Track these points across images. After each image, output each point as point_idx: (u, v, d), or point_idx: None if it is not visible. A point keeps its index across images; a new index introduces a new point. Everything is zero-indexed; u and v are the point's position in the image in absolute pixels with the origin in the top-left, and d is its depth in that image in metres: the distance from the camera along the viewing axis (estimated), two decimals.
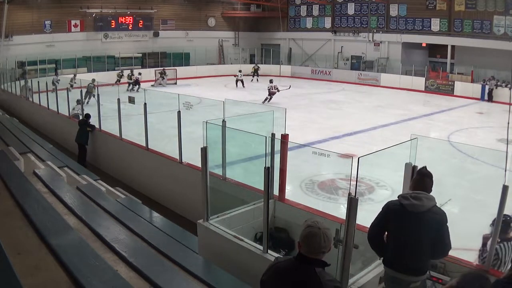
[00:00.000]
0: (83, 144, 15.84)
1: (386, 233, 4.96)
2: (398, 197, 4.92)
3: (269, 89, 29.97)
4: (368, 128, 21.17)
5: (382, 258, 5.13)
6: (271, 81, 30.91)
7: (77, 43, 40.55)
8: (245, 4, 51.09)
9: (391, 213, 4.86)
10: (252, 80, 41.85)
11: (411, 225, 4.70)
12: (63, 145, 18.12)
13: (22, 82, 26.60)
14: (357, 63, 43.93)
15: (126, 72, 36.70)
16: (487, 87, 32.51)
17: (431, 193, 4.90)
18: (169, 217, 9.81)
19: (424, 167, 5.11)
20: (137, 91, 32.92)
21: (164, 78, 38.55)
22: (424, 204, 4.70)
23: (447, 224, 4.74)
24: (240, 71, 39.15)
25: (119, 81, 34.99)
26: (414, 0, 39.29)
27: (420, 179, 4.95)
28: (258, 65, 45.10)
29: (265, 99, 29.40)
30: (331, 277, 3.52)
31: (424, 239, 4.69)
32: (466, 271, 3.77)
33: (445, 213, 4.78)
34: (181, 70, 41.53)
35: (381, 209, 4.98)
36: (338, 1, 45.89)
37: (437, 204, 4.83)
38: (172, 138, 12.08)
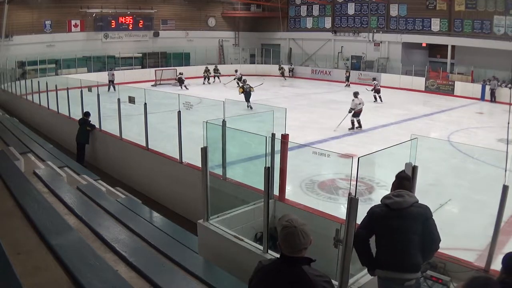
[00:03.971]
0: (83, 143, 15.81)
1: (374, 236, 5.02)
2: (381, 200, 5.05)
3: (374, 87, 31.13)
4: (368, 128, 21.13)
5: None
6: (374, 79, 32.43)
7: (77, 43, 40.59)
8: (245, 4, 51.05)
9: (376, 215, 4.96)
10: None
11: (398, 222, 4.81)
12: (63, 145, 18.13)
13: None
14: (357, 63, 43.90)
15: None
16: (487, 87, 32.46)
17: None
18: (169, 217, 9.81)
19: (402, 171, 5.36)
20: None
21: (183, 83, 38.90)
22: (406, 200, 4.87)
23: (433, 218, 4.88)
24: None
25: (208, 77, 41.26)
26: (414, 0, 39.30)
27: (399, 182, 5.13)
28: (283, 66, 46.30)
29: (378, 98, 30.93)
30: (319, 273, 3.43)
31: (412, 233, 4.79)
32: (474, 274, 3.75)
33: (428, 208, 4.92)
34: (181, 70, 41.42)
35: (366, 214, 5.05)
36: (338, 1, 45.88)
37: (418, 201, 4.96)
38: (172, 138, 12.08)
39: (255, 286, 3.61)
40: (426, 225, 4.79)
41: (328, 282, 3.45)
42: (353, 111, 20.78)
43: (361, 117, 20.89)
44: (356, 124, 20.85)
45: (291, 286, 3.39)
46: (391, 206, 4.88)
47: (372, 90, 30.86)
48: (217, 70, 42.69)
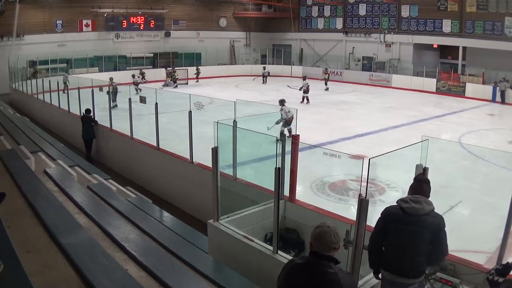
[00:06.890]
0: (91, 139, 16.11)
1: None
2: (397, 202, 5.01)
3: (303, 87, 29.28)
4: (379, 129, 21.06)
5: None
6: (304, 78, 30.75)
7: (89, 43, 40.70)
8: (257, 4, 51.04)
9: (391, 216, 4.95)
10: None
11: (411, 228, 4.79)
12: (74, 144, 18.20)
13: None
14: (369, 64, 43.78)
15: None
16: (498, 88, 32.26)
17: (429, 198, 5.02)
18: (179, 217, 9.84)
19: (421, 174, 5.42)
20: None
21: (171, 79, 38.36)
22: (424, 207, 4.82)
23: (445, 229, 4.85)
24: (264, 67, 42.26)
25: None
26: (426, 1, 39.14)
27: (418, 185, 5.10)
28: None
29: (305, 99, 29.02)
30: (345, 271, 3.80)
31: (423, 241, 4.78)
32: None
33: (443, 218, 4.87)
34: (192, 70, 41.43)
35: (379, 216, 5.05)
36: (350, 1, 45.82)
37: (435, 209, 4.91)
38: (183, 138, 12.10)
39: (282, 281, 3.88)
40: (437, 236, 4.78)
41: (354, 282, 3.71)
42: (283, 121, 17.62)
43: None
44: (287, 133, 16.18)
45: (317, 280, 3.64)
46: (407, 210, 4.83)
47: (300, 90, 29.31)
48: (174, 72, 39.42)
